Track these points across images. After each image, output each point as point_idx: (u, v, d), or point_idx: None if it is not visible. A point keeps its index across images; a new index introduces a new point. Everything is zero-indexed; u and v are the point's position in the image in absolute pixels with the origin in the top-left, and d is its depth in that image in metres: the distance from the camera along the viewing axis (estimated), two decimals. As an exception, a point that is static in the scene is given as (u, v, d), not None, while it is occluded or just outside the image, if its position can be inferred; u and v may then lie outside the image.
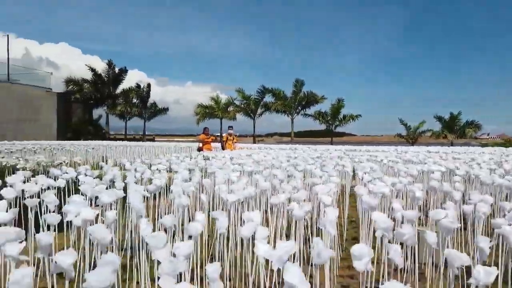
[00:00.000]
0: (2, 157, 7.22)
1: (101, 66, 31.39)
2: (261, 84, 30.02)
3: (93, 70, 31.83)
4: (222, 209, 3.22)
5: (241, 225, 3.01)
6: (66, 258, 1.42)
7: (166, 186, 3.64)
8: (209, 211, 3.16)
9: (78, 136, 26.26)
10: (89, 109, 29.74)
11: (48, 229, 2.35)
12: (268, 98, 28.19)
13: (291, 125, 28.97)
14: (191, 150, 13.74)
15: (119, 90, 32.45)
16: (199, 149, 12.16)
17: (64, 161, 6.52)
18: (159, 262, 1.44)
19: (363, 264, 1.52)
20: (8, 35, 26.77)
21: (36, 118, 25.07)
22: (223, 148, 12.35)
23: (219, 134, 13.05)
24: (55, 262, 1.45)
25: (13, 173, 5.80)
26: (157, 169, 4.48)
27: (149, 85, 30.65)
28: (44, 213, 2.67)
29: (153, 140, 32.52)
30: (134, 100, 31.25)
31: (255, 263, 1.83)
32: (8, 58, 25.66)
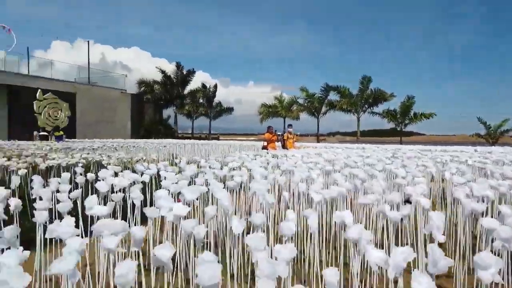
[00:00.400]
0: (87, 153, 7.78)
1: (169, 68, 32.93)
2: (322, 82, 29.50)
3: (163, 72, 33.47)
4: (304, 208, 3.12)
5: (326, 224, 2.87)
6: (165, 252, 1.39)
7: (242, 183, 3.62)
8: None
9: (150, 135, 27.78)
10: (159, 109, 31.32)
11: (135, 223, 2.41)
12: (332, 96, 27.62)
13: (357, 124, 28.05)
14: (256, 149, 13.82)
15: (186, 90, 33.81)
16: (264, 148, 12.16)
17: (142, 158, 6.85)
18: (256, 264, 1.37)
19: (489, 275, 1.32)
20: (88, 41, 29.14)
21: (113, 118, 26.97)
22: (283, 147, 12.24)
23: (280, 133, 12.94)
24: (155, 255, 1.44)
25: (98, 168, 6.23)
26: (233, 168, 4.49)
27: (215, 86, 31.55)
28: (129, 207, 2.76)
29: (217, 138, 33.40)
30: (201, 100, 32.33)
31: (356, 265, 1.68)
32: (88, 63, 27.95)
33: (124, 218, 2.65)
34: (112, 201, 2.57)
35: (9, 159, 6.04)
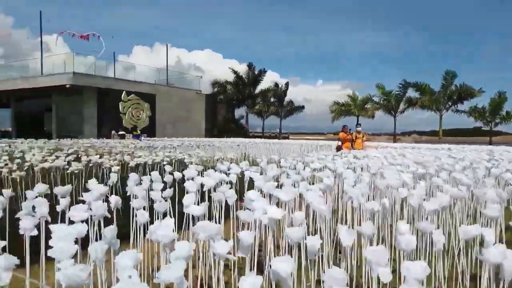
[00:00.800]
0: (169, 152, 8.10)
1: (240, 68, 33.59)
2: (396, 79, 27.83)
3: (235, 72, 34.24)
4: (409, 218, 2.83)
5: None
6: (284, 265, 1.23)
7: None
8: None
9: (222, 134, 28.59)
10: (232, 109, 32.07)
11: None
12: (411, 93, 25.89)
13: (440, 122, 26.00)
14: (332, 148, 13.41)
15: (258, 90, 34.22)
16: (338, 148, 11.72)
17: (221, 157, 6.95)
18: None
19: None
20: (167, 45, 30.79)
21: (188, 117, 28.20)
22: (351, 147, 11.69)
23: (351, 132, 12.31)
24: (271, 267, 1.28)
25: (180, 166, 6.44)
26: (315, 169, 4.29)
27: (287, 84, 31.53)
28: (217, 208, 2.70)
29: (287, 137, 33.32)
30: (272, 99, 32.50)
31: None
32: (167, 65, 29.54)
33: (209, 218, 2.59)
34: (204, 201, 2.54)
35: (101, 157, 6.47)
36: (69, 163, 5.66)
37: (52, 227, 1.58)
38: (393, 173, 3.78)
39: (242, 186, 3.75)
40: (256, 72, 34.19)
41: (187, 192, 2.73)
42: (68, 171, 5.22)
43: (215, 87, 33.87)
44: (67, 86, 20.85)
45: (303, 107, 31.73)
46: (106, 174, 5.55)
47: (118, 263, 1.27)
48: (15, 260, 1.26)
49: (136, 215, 2.42)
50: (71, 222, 1.88)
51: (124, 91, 23.26)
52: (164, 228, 1.65)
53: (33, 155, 7.11)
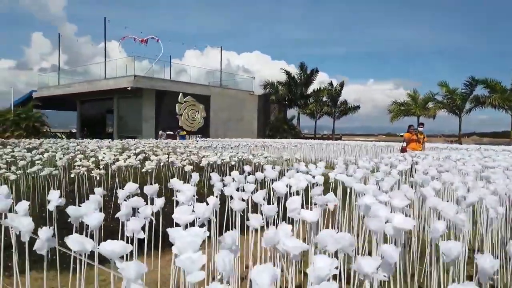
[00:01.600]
0: (231, 152, 8.02)
1: (289, 69, 33.23)
2: (455, 77, 25.90)
3: (287, 73, 33.94)
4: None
5: None
6: None
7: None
8: None
9: (275, 134, 28.42)
10: (284, 110, 31.82)
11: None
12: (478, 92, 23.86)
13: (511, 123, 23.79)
14: (394, 149, 12.71)
15: (310, 90, 33.68)
16: (403, 150, 11.04)
17: (288, 158, 6.74)
18: None
19: None
20: (221, 47, 31.21)
21: (241, 118, 28.34)
22: (402, 150, 10.94)
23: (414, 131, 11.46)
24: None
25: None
26: (400, 171, 3.91)
27: (342, 84, 30.66)
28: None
29: (340, 138, 32.44)
30: (324, 99, 31.83)
31: None
32: (220, 67, 29.93)
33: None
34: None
35: (169, 156, 6.51)
36: (141, 162, 5.73)
37: (170, 231, 1.42)
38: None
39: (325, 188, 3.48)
40: (308, 72, 33.69)
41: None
42: (142, 170, 5.26)
43: (267, 88, 33.81)
44: (129, 88, 21.74)
45: (358, 107, 30.75)
46: (180, 173, 5.54)
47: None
48: (143, 267, 1.12)
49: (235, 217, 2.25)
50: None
51: (180, 93, 23.85)
52: (292, 240, 1.42)
53: (104, 154, 7.33)
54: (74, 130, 37.63)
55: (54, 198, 2.18)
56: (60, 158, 6.36)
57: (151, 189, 2.63)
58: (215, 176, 3.21)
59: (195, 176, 3.34)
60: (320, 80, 33.52)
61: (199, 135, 24.69)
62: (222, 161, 5.76)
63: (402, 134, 12.03)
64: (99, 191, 2.50)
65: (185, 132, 22.39)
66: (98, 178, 4.43)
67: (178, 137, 22.01)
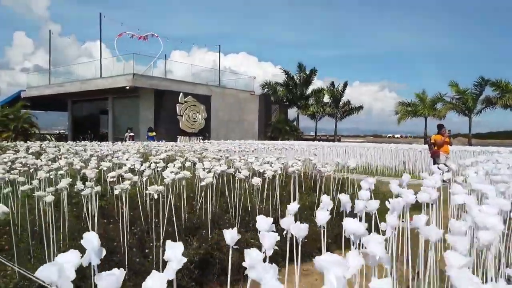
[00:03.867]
0: (246, 156, 7.07)
1: (275, 71, 32.44)
2: (445, 79, 25.40)
3: (286, 72, 33.11)
4: None
5: None
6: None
7: None
8: None
9: (277, 136, 27.50)
10: (285, 110, 30.96)
11: None
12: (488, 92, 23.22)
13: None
14: (418, 152, 11.89)
15: (309, 91, 32.93)
16: (434, 153, 10.22)
17: (352, 166, 5.82)
18: None
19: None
20: (219, 46, 30.09)
21: (242, 119, 27.34)
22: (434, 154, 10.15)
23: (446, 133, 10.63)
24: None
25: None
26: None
27: (345, 84, 29.91)
28: None
29: (339, 140, 31.76)
30: (326, 100, 31.10)
31: None
32: (219, 67, 28.77)
33: None
34: None
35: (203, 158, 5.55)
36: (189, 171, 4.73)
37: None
38: None
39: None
40: (307, 72, 32.93)
41: None
42: (201, 184, 4.28)
43: (265, 88, 32.94)
44: (127, 87, 20.52)
45: (361, 107, 30.02)
46: (240, 185, 4.56)
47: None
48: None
49: None
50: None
51: (181, 93, 22.71)
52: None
53: (127, 159, 6.27)
54: (63, 131, 36.05)
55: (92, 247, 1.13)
56: (81, 167, 5.28)
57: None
58: (344, 198, 2.27)
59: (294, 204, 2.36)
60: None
61: (200, 137, 23.60)
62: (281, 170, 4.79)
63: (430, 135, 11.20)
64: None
65: (154, 133, 21.21)
66: (155, 197, 3.40)
67: (147, 137, 20.75)
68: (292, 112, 33.36)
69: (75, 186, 3.84)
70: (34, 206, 3.51)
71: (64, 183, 3.58)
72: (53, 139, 27.31)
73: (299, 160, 6.38)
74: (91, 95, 24.55)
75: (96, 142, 12.89)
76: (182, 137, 22.81)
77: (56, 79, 26.88)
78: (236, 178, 4.34)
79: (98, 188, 3.52)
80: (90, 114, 27.76)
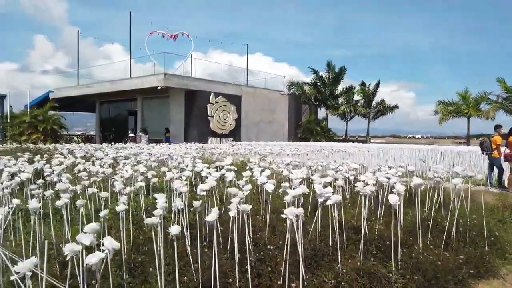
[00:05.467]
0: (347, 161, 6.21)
1: (291, 71, 31.50)
2: (459, 81, 23.88)
3: (315, 71, 32.11)
4: None
5: None
6: None
7: None
8: None
9: (308, 137, 26.56)
10: (315, 110, 30.00)
11: None
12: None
13: None
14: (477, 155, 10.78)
15: (338, 90, 31.87)
16: (508, 156, 9.13)
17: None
18: None
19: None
20: (247, 45, 29.39)
21: (272, 119, 26.52)
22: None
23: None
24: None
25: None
26: None
27: (377, 83, 28.70)
28: None
29: (368, 141, 30.56)
30: (356, 99, 30.00)
31: None
32: (247, 66, 27.99)
33: None
34: None
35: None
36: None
37: None
38: None
39: None
40: (336, 71, 31.86)
41: None
42: (285, 199, 3.48)
43: (291, 88, 32.03)
44: (158, 87, 19.94)
45: (396, 106, 28.75)
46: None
47: None
48: None
49: None
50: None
51: (212, 93, 22.03)
52: None
53: (194, 166, 5.51)
54: (83, 132, 35.92)
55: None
56: (152, 175, 4.55)
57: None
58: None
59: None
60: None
61: (231, 138, 22.90)
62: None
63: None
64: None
65: (169, 134, 21.05)
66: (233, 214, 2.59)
67: (164, 138, 20.63)
68: (320, 112, 32.39)
69: (173, 205, 3.09)
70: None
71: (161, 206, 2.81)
72: (79, 140, 27.12)
73: (390, 168, 5.49)
74: (119, 96, 24.15)
75: (132, 143, 12.29)
76: (213, 138, 22.16)
77: (82, 80, 26.66)
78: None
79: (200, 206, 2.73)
80: (118, 115, 27.39)
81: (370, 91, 28.71)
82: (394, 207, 3.12)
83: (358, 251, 3.36)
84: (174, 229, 2.13)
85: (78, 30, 25.52)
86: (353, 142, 25.01)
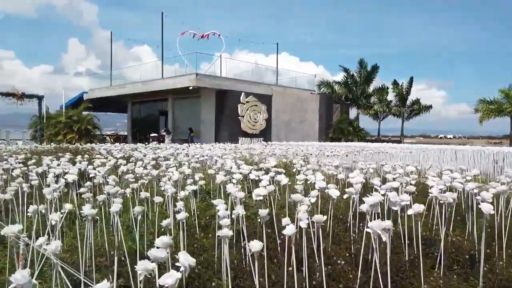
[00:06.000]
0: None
1: (317, 71, 30.79)
2: (486, 79, 22.31)
3: (346, 70, 31.47)
4: None
5: None
6: None
7: None
8: None
9: (339, 137, 25.96)
10: (346, 110, 29.33)
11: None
12: None
13: None
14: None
15: (371, 89, 31.09)
16: None
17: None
18: None
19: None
20: (277, 44, 29.01)
21: (302, 119, 26.08)
22: None
23: None
24: None
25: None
26: None
27: (410, 81, 27.73)
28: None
29: (400, 141, 29.54)
30: (390, 98, 29.13)
31: None
32: (277, 65, 27.64)
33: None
34: None
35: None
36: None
37: None
38: None
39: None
40: (368, 69, 31.08)
41: None
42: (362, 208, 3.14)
43: (321, 87, 31.48)
44: (190, 87, 19.95)
45: (430, 106, 27.70)
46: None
47: None
48: None
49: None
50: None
51: (243, 92, 21.85)
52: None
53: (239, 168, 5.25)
54: (113, 132, 36.55)
55: None
56: (199, 178, 4.32)
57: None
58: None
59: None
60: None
61: (261, 138, 22.63)
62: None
63: None
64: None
65: (194, 133, 21.38)
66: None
67: (188, 137, 20.91)
68: (351, 112, 31.66)
69: (234, 212, 2.84)
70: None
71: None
72: (111, 140, 27.61)
73: (452, 171, 5.03)
74: (151, 96, 24.37)
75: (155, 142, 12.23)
76: (243, 138, 21.98)
77: (114, 81, 27.12)
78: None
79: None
80: (149, 115, 27.70)
81: (403, 90, 27.77)
82: (486, 216, 2.74)
83: (434, 266, 3.00)
84: (256, 245, 1.86)
85: (111, 32, 25.98)
86: (387, 143, 24.21)
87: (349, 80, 31.38)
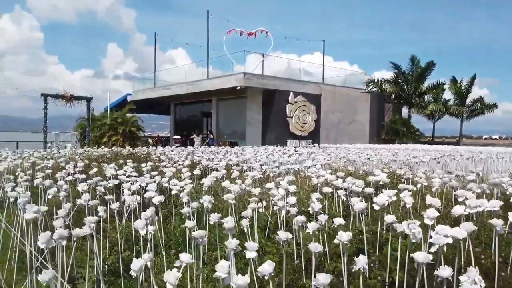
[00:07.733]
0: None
1: (350, 68, 28.88)
2: None
3: (397, 67, 29.61)
4: None
5: None
6: None
7: None
8: None
9: (393, 138, 24.28)
10: (399, 109, 27.50)
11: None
12: None
13: None
14: None
15: (424, 87, 29.03)
16: None
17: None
18: None
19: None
20: (323, 40, 27.63)
21: (352, 119, 24.60)
22: None
23: None
24: None
25: None
26: None
27: (473, 78, 25.50)
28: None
29: (448, 143, 27.28)
30: (447, 97, 27.00)
31: None
32: (323, 63, 26.25)
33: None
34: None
35: None
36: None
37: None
38: None
39: None
40: (422, 66, 29.03)
41: None
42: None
43: (369, 85, 29.75)
44: (238, 87, 19.07)
45: (495, 105, 25.33)
46: None
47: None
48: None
49: None
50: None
51: (291, 92, 20.73)
52: None
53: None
54: (149, 134, 36.41)
55: None
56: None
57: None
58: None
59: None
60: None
61: (310, 140, 21.40)
62: None
63: None
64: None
65: (213, 135, 20.87)
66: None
67: (209, 139, 20.42)
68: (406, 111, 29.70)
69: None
70: None
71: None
72: (153, 142, 27.30)
73: None
74: (195, 98, 23.76)
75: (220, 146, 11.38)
76: (292, 140, 20.83)
77: (151, 83, 26.84)
78: None
79: None
80: (192, 116, 27.17)
81: (463, 88, 25.58)
82: None
83: None
84: None
85: (155, 33, 25.67)
86: (442, 144, 22.35)
87: (400, 78, 29.50)
